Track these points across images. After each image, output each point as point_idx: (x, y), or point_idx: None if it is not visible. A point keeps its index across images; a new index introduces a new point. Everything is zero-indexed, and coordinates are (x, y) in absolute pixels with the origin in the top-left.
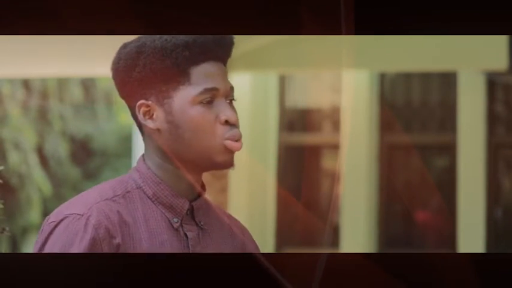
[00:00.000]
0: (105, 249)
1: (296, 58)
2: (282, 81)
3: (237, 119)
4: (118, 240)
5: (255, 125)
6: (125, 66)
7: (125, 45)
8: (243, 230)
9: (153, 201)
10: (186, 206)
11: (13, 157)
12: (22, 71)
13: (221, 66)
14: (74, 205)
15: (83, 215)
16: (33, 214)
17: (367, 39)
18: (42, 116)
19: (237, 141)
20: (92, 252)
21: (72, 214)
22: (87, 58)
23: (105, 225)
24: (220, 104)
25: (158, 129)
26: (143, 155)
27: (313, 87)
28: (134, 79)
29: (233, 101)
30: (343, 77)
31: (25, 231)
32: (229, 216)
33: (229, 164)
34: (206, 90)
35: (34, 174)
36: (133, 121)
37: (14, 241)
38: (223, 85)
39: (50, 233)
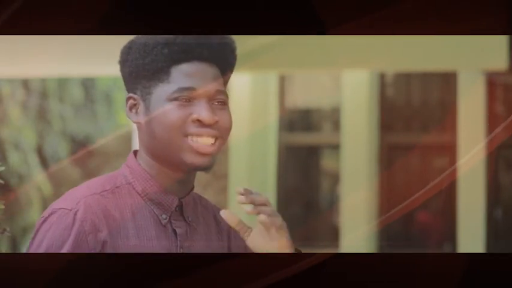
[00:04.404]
0: (91, 242)
1: (296, 58)
2: (282, 81)
3: (213, 121)
4: (104, 233)
5: (255, 125)
6: (120, 61)
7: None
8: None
9: (142, 197)
10: (175, 203)
11: (13, 157)
12: (22, 71)
13: (207, 67)
14: (63, 200)
15: (71, 210)
16: (33, 214)
17: (367, 39)
18: (42, 116)
19: (207, 143)
20: (78, 246)
21: (61, 209)
22: (87, 58)
23: (91, 218)
24: (199, 104)
25: (140, 123)
26: (135, 151)
27: (313, 87)
28: (125, 73)
29: (225, 104)
30: (343, 77)
31: (25, 231)
32: (217, 210)
33: (201, 166)
34: (181, 89)
35: (34, 174)
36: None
37: (14, 241)
38: (203, 85)
39: (39, 228)
